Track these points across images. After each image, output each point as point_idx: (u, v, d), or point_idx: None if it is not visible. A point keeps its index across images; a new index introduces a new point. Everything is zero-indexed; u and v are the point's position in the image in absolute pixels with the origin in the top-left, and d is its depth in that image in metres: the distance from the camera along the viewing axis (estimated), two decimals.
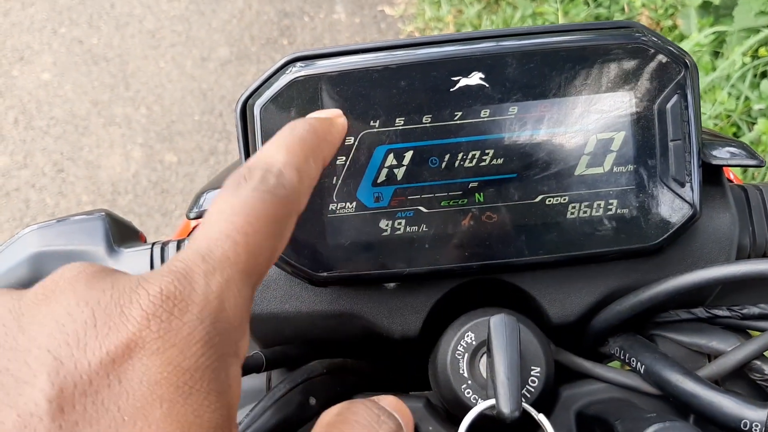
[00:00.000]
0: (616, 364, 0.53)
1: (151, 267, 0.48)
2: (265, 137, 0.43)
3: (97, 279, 0.26)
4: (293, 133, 0.34)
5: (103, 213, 0.50)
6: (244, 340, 0.27)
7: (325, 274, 0.43)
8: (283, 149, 0.32)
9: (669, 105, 0.43)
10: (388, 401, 0.30)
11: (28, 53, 2.20)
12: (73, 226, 0.49)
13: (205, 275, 0.26)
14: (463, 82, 0.42)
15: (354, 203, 0.44)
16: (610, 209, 0.44)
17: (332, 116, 0.40)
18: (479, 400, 0.43)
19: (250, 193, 0.29)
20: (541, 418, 0.40)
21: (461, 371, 0.43)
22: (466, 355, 0.43)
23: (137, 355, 0.24)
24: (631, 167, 0.44)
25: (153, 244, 0.49)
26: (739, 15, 1.80)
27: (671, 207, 0.44)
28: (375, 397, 0.30)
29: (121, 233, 0.50)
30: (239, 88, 2.21)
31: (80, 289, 0.25)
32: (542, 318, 0.47)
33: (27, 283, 0.48)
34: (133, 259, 0.48)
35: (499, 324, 0.39)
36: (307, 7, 2.36)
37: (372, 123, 0.43)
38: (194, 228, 0.59)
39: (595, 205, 0.44)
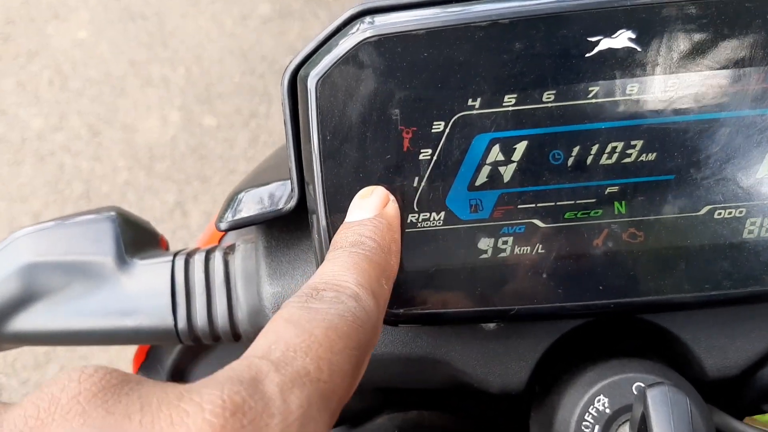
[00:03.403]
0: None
1: (172, 284, 0.37)
2: (324, 120, 0.31)
3: (116, 396, 0.18)
4: (356, 248, 0.27)
5: (114, 213, 0.39)
6: None
7: (400, 311, 0.32)
8: (352, 269, 0.26)
9: None
10: None
11: (64, 10, 2.11)
12: (76, 230, 0.38)
13: (280, 388, 0.19)
14: (605, 44, 0.30)
15: (442, 214, 0.32)
16: None
17: (381, 209, 0.30)
18: None
19: (327, 310, 0.23)
20: None
21: None
22: (597, 427, 0.31)
23: None
24: None
25: (176, 254, 0.38)
26: None
27: None
28: None
29: (137, 238, 0.39)
30: (281, 48, 2.09)
31: (93, 415, 0.18)
32: (693, 369, 0.35)
33: (17, 303, 0.38)
34: (149, 274, 0.37)
35: (661, 400, 0.27)
36: None
37: (470, 102, 0.31)
38: (225, 234, 0.48)
39: None
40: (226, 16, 2.13)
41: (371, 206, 0.30)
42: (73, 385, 0.18)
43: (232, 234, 0.46)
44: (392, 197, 0.31)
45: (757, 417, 0.42)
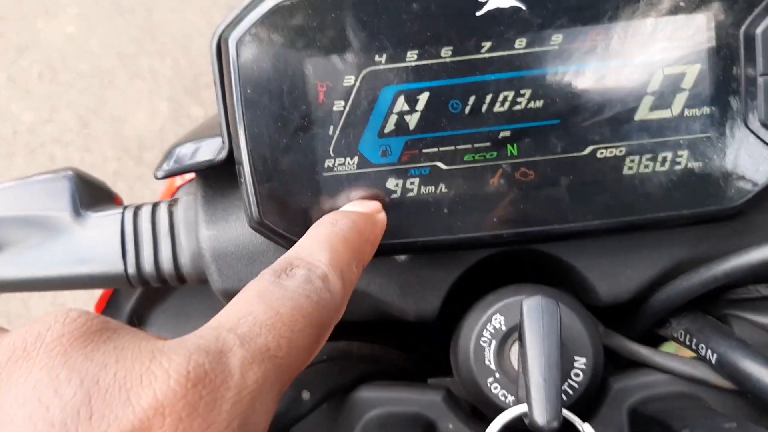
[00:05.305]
0: (670, 346, 0.45)
1: (122, 235, 0.41)
2: (244, 76, 0.34)
3: (96, 344, 0.20)
4: (335, 230, 0.30)
5: (71, 172, 0.42)
6: None
7: None
8: (327, 249, 0.28)
9: (759, 30, 0.33)
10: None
11: (53, 5, 2.14)
12: (36, 187, 0.42)
13: (242, 363, 0.21)
14: (493, 3, 0.33)
15: (356, 159, 0.35)
16: (679, 163, 0.35)
17: (372, 211, 0.34)
18: (508, 398, 0.35)
19: (296, 290, 0.25)
20: (586, 429, 0.32)
21: (487, 362, 0.35)
22: (494, 342, 0.35)
23: None
24: (707, 110, 0.34)
25: (125, 207, 0.42)
26: None
27: (757, 160, 0.34)
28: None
29: (92, 195, 0.43)
30: None
31: (73, 357, 0.19)
32: (589, 296, 0.38)
33: None
34: (101, 225, 0.41)
35: (534, 308, 0.31)
36: None
37: (377, 58, 0.34)
38: (178, 188, 0.52)
39: (659, 158, 0.35)
40: (214, 9, 2.16)
41: (367, 205, 0.34)
42: (57, 326, 0.20)
43: (180, 191, 0.50)
44: (383, 213, 0.35)
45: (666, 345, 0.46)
